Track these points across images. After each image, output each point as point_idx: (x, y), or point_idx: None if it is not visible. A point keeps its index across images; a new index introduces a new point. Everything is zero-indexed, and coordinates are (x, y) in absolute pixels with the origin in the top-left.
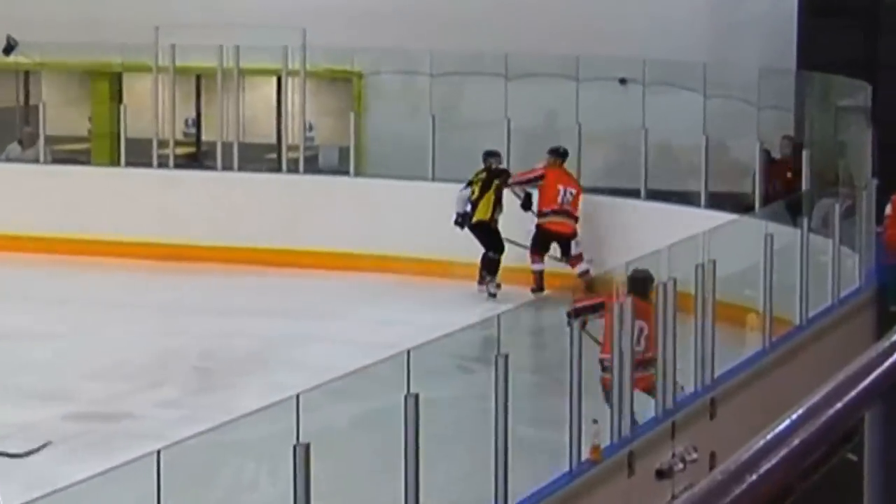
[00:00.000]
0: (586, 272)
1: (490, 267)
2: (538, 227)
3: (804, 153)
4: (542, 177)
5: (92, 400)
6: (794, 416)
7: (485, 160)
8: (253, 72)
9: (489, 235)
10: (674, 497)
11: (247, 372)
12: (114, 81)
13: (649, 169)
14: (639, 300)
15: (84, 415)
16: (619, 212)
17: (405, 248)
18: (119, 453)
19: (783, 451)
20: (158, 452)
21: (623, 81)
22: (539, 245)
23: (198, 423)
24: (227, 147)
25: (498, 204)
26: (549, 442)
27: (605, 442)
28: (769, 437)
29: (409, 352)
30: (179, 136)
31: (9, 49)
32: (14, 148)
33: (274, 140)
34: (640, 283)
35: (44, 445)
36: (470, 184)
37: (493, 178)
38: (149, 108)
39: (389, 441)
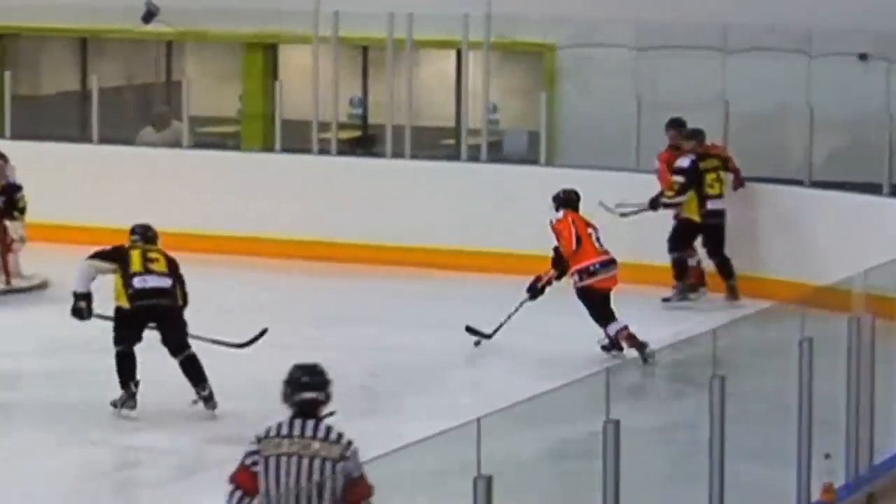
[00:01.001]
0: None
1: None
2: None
3: None
4: None
5: (237, 422)
6: None
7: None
8: (428, 44)
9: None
10: None
11: (416, 392)
12: (268, 54)
13: (894, 160)
14: (576, 214)
15: (228, 438)
16: (859, 209)
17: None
18: None
19: None
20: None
21: (863, 57)
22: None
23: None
24: (397, 131)
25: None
26: (773, 480)
27: (840, 481)
28: None
29: (608, 370)
30: (343, 118)
31: (149, 16)
32: (147, 131)
33: (452, 123)
34: (574, 202)
35: (262, 333)
36: None
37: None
38: (308, 84)
39: (581, 475)
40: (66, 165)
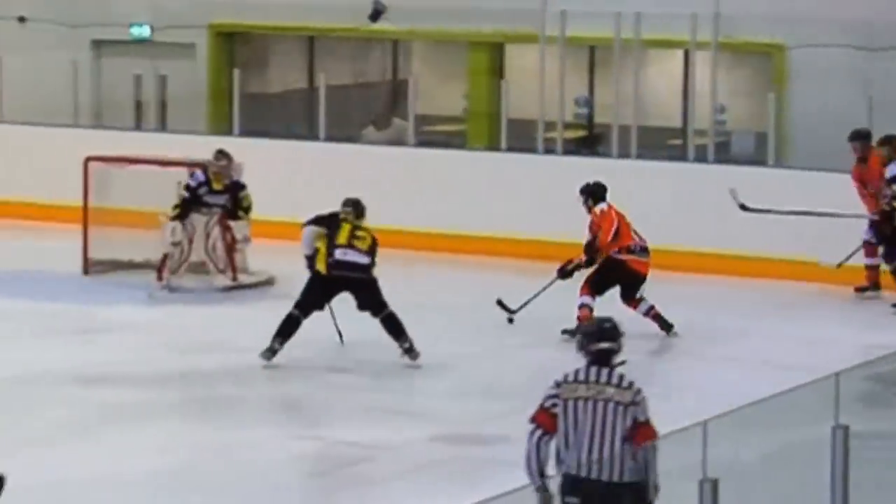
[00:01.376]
0: None
1: None
2: None
3: None
4: None
5: (462, 421)
6: None
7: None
8: (655, 43)
9: None
10: None
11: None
12: (494, 53)
13: None
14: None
15: (452, 437)
16: None
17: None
18: (487, 482)
19: None
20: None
21: None
22: None
23: None
24: (623, 131)
25: None
26: None
27: None
28: None
29: (837, 375)
30: (569, 118)
31: (376, 15)
32: (369, 131)
33: (678, 124)
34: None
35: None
36: None
37: None
38: (534, 84)
39: (807, 481)
40: (293, 163)
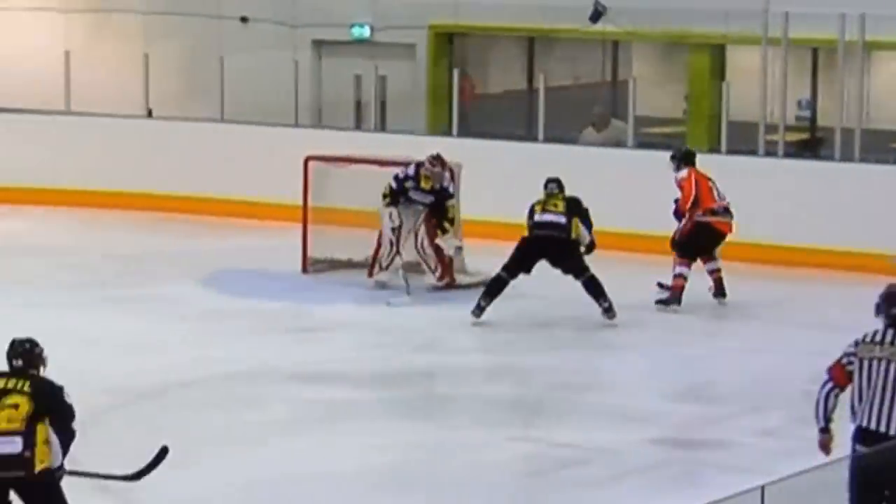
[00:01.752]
0: None
1: None
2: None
3: None
4: None
5: (681, 424)
6: None
7: None
8: (881, 45)
9: None
10: None
11: None
12: (715, 55)
13: None
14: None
15: (671, 440)
16: None
17: None
18: (708, 486)
19: None
20: (763, 489)
21: None
22: None
23: (800, 458)
24: (846, 134)
25: None
26: None
27: None
28: None
29: None
30: (791, 120)
31: (596, 16)
32: (588, 131)
33: None
34: (693, 158)
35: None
36: None
37: None
38: (755, 86)
39: None
40: (511, 164)
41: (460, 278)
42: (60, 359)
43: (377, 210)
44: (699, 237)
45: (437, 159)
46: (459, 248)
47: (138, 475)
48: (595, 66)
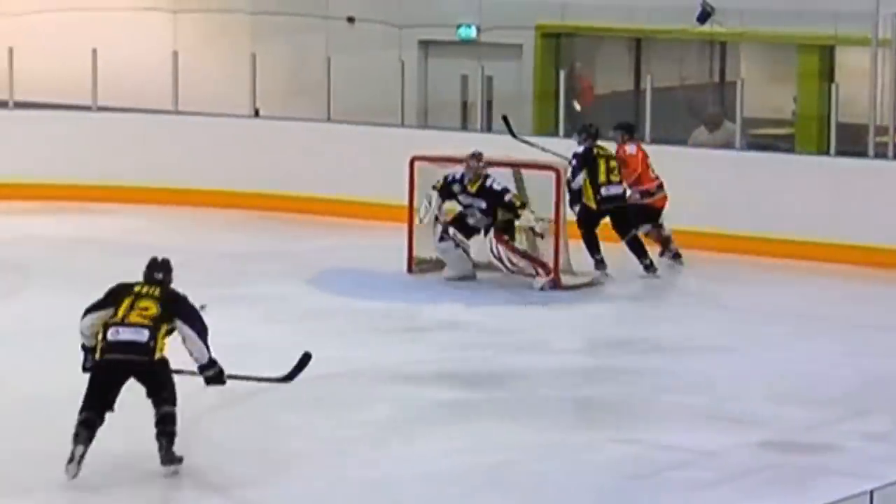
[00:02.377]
0: None
1: None
2: None
3: None
4: None
5: (785, 427)
6: None
7: None
8: None
9: None
10: None
11: None
12: (824, 56)
13: None
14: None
15: (776, 444)
16: None
17: None
18: (815, 490)
19: None
20: (871, 493)
21: None
22: None
23: None
24: None
25: None
26: None
27: None
28: None
29: None
30: None
31: (704, 16)
32: (700, 132)
33: None
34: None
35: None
36: None
37: None
38: (865, 87)
39: None
40: None
41: (567, 279)
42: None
43: None
44: (640, 216)
45: (473, 155)
46: (542, 222)
47: (288, 377)
48: (702, 67)
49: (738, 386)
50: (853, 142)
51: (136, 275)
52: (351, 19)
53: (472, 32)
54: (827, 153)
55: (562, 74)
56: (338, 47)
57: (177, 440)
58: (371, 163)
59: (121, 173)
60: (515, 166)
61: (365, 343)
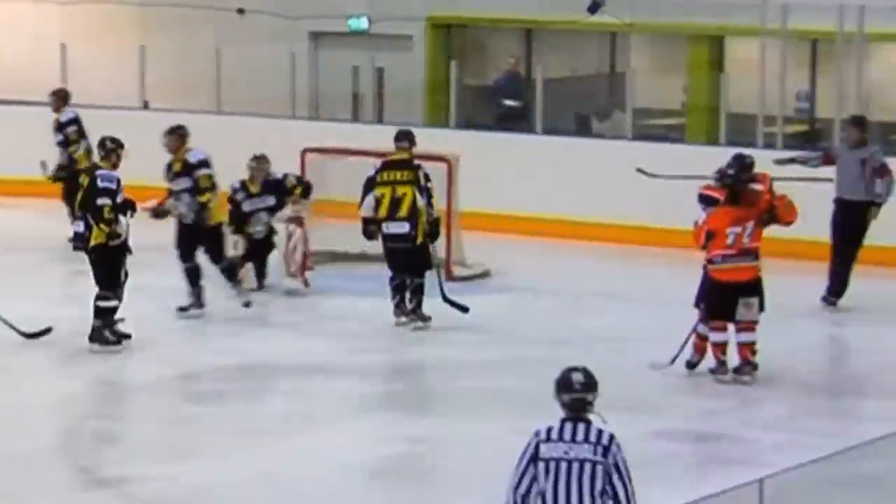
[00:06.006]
0: None
1: None
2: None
3: None
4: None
5: (679, 416)
6: None
7: None
8: (880, 37)
9: None
10: None
11: (866, 393)
12: (714, 46)
13: None
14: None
15: (671, 432)
16: None
17: None
18: (715, 480)
19: None
20: (761, 482)
21: None
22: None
23: (805, 450)
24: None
25: None
26: None
27: None
28: None
29: None
30: (789, 112)
31: (594, 7)
32: (592, 122)
33: None
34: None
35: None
36: None
37: None
38: (754, 78)
39: None
40: (509, 156)
41: (458, 270)
42: None
43: None
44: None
45: (255, 159)
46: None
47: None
48: (593, 58)
49: (634, 375)
50: (743, 132)
51: (21, 269)
52: (241, 11)
53: (363, 23)
54: (717, 143)
55: (453, 65)
56: (227, 39)
57: (75, 437)
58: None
59: (7, 167)
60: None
61: (263, 337)
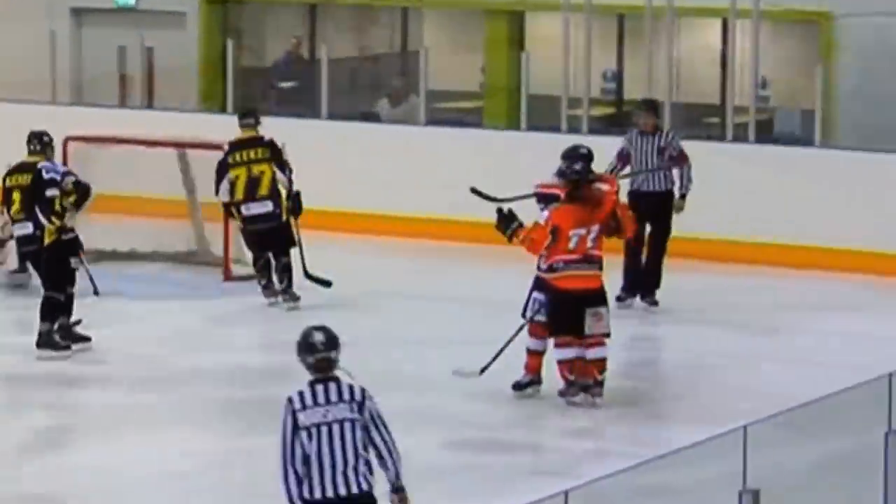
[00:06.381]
0: None
1: None
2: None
3: None
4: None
5: (484, 425)
6: None
7: None
8: (691, 11)
9: None
10: None
11: (677, 396)
12: (513, 23)
13: None
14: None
15: (474, 443)
16: None
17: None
18: (519, 492)
19: None
20: (566, 494)
21: None
22: None
23: (615, 459)
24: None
25: None
26: None
27: None
28: None
29: (891, 376)
30: (595, 94)
31: None
32: (383, 105)
33: (716, 100)
34: None
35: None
36: None
37: None
38: (557, 57)
39: (857, 490)
40: (292, 142)
41: (237, 269)
42: None
43: (142, 195)
44: None
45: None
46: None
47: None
48: (383, 36)
49: (431, 382)
50: (545, 115)
51: None
52: None
53: None
54: (517, 127)
55: (229, 44)
56: None
57: None
58: (18, 144)
59: None
60: (180, 146)
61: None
